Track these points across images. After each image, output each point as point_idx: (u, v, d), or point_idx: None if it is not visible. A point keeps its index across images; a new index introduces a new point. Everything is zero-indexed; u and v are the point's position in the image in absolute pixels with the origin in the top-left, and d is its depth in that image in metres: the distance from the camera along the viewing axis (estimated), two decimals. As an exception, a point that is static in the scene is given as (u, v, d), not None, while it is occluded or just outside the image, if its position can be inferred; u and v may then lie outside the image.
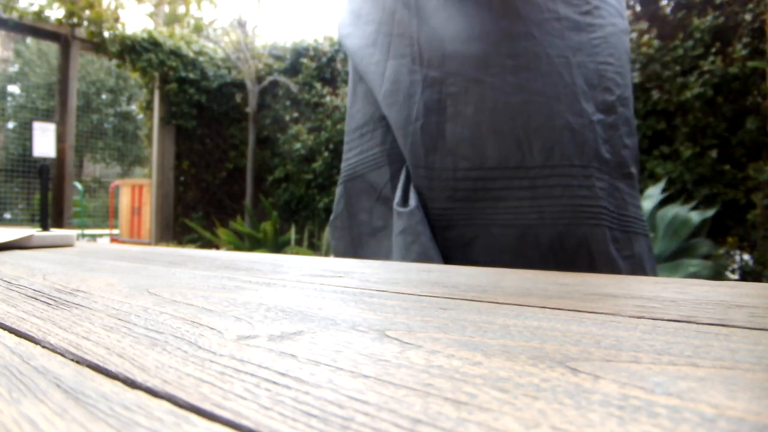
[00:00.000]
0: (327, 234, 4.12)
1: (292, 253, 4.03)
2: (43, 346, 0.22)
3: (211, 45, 5.57)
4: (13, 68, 12.08)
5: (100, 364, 0.19)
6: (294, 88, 5.02)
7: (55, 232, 0.89)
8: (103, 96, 13.03)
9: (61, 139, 4.61)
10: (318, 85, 4.98)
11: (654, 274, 0.82)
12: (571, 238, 0.74)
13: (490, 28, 0.79)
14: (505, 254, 0.75)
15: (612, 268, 0.75)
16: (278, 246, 4.22)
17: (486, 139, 0.76)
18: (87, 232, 7.11)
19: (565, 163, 0.74)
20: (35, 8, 4.58)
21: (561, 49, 0.77)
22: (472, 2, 0.80)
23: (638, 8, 3.41)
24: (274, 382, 0.17)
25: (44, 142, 4.40)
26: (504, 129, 0.76)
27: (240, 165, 5.49)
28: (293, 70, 5.21)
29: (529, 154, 0.75)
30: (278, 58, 5.36)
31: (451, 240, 0.79)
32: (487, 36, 0.79)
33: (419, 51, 0.82)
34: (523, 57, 0.77)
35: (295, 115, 5.12)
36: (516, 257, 0.75)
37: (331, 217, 1.01)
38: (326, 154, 4.82)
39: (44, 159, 4.42)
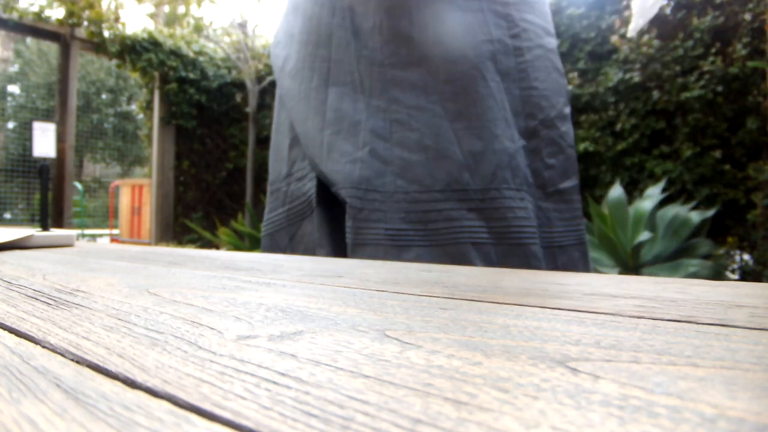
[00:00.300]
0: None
1: (292, 253, 4.02)
2: (43, 346, 0.22)
3: (211, 45, 5.57)
4: (13, 68, 12.08)
5: (100, 364, 0.19)
6: (294, 88, 5.01)
7: (55, 232, 0.89)
8: (103, 96, 13.03)
9: (61, 139, 4.61)
10: (318, 85, 4.97)
11: None
12: (515, 257, 0.77)
13: (427, 53, 0.81)
14: None
15: None
16: (278, 246, 4.21)
17: (433, 163, 0.79)
18: (87, 232, 7.11)
19: (504, 186, 0.79)
20: (35, 8, 4.57)
21: (493, 72, 0.81)
22: (408, 23, 0.81)
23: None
24: (274, 382, 0.17)
25: (44, 142, 4.40)
26: (450, 153, 0.79)
27: (240, 165, 5.49)
28: (293, 70, 5.20)
29: (474, 177, 0.79)
30: (278, 58, 5.35)
31: (408, 261, 0.79)
32: (425, 61, 0.81)
33: (360, 79, 0.82)
34: (461, 81, 0.80)
35: (295, 115, 5.11)
36: None
37: None
38: (326, 154, 4.81)
39: (44, 159, 4.42)
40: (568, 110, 0.88)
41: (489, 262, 0.76)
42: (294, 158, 0.92)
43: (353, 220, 0.79)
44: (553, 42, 0.89)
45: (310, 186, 0.87)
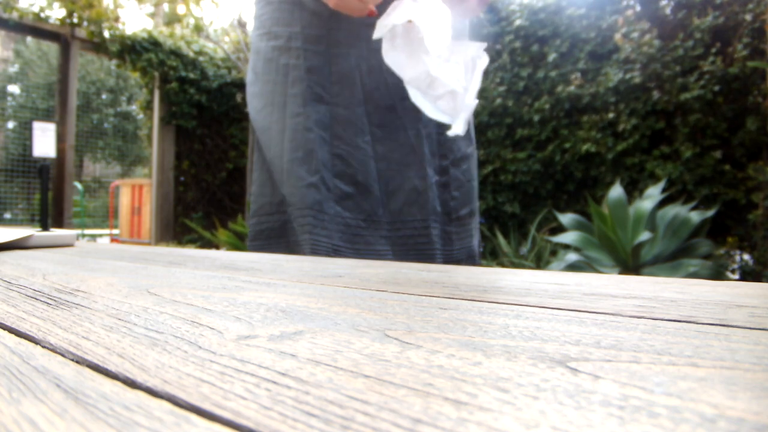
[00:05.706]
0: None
1: (292, 253, 4.02)
2: (43, 346, 0.22)
3: (211, 45, 5.57)
4: (13, 68, 12.08)
5: (100, 364, 0.19)
6: (294, 88, 5.01)
7: (55, 232, 0.89)
8: (103, 96, 13.03)
9: (61, 139, 4.61)
10: (318, 85, 4.98)
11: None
12: None
13: (367, 96, 0.96)
14: None
15: None
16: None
17: (361, 197, 0.96)
18: (87, 232, 7.11)
19: (410, 218, 0.97)
20: (35, 8, 4.57)
21: (414, 121, 0.97)
22: (351, 67, 0.95)
23: (638, 8, 3.41)
24: (274, 382, 0.17)
25: (44, 142, 4.40)
26: (373, 190, 0.96)
27: (240, 165, 5.49)
28: (293, 70, 5.20)
29: (388, 210, 0.97)
30: (278, 58, 5.35)
31: None
32: (364, 103, 0.96)
33: (310, 112, 0.95)
34: (388, 127, 0.96)
35: (295, 115, 5.12)
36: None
37: None
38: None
39: (44, 159, 4.42)
40: (470, 150, 1.07)
41: None
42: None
43: (310, 235, 0.93)
44: None
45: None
